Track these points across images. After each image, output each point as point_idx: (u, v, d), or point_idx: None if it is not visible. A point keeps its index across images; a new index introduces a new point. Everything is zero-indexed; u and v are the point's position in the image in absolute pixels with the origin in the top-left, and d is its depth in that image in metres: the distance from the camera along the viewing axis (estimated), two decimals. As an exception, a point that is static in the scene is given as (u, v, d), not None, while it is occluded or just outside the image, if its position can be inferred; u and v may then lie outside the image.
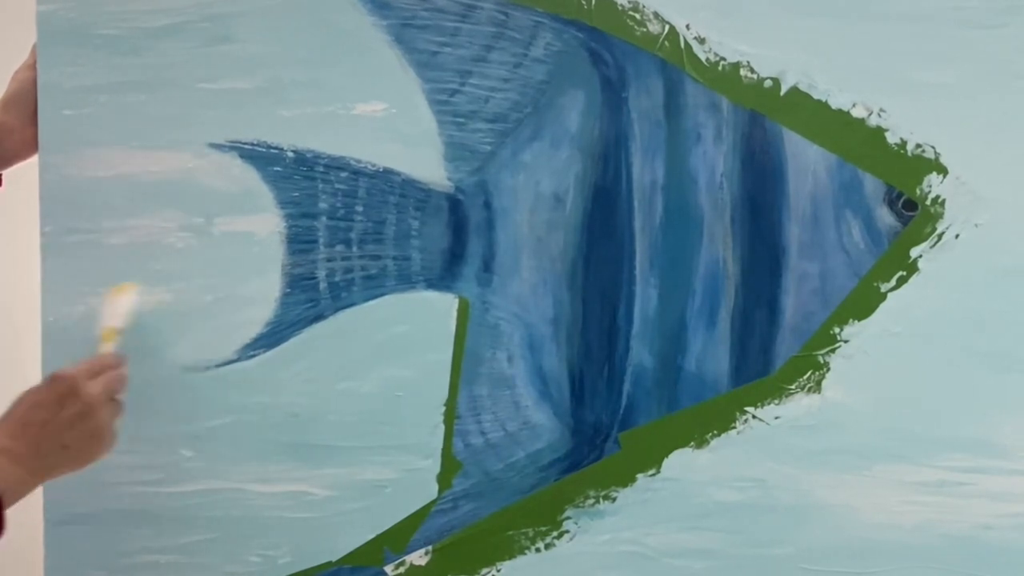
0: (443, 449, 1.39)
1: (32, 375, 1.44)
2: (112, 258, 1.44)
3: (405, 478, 1.39)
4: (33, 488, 1.23)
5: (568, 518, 1.38)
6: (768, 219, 1.34)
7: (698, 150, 1.35)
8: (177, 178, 1.43)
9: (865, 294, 1.33)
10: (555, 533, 1.38)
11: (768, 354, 1.34)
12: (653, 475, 1.36)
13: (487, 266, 1.38)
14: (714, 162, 1.35)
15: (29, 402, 1.24)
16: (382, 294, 1.40)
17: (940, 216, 1.32)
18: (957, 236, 1.31)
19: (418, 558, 1.40)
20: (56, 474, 1.26)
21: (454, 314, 1.39)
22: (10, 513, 1.22)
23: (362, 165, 1.40)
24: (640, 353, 1.36)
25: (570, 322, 1.37)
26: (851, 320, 1.33)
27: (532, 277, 1.38)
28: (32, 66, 1.45)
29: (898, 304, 1.32)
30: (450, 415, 1.38)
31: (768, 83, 1.34)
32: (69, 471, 1.27)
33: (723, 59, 1.35)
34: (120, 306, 1.39)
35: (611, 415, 1.37)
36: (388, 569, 1.41)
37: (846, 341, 1.33)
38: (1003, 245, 1.30)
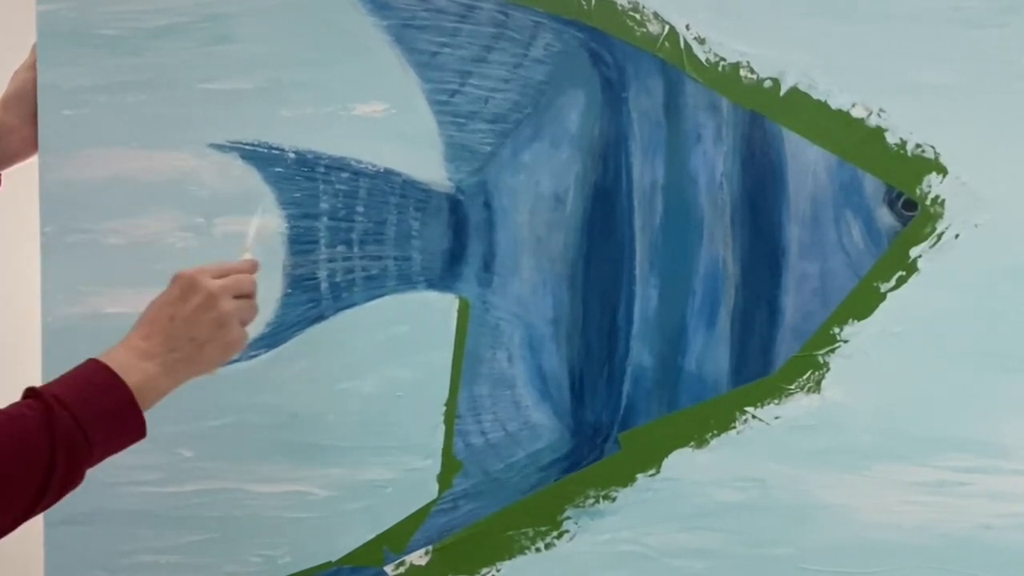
0: (443, 449, 1.39)
1: (32, 375, 1.44)
2: (112, 258, 1.44)
3: (405, 478, 1.39)
4: (171, 387, 1.22)
5: (568, 518, 1.38)
6: (768, 219, 1.34)
7: (698, 150, 1.35)
8: (177, 178, 1.44)
9: (865, 294, 1.33)
10: (555, 533, 1.38)
11: (768, 354, 1.34)
12: (653, 475, 1.36)
13: (487, 266, 1.38)
14: (714, 162, 1.35)
15: (157, 303, 1.24)
16: (383, 294, 1.40)
17: (940, 216, 1.32)
18: (957, 236, 1.31)
19: (418, 558, 1.40)
20: (191, 370, 1.24)
21: (454, 314, 1.39)
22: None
23: (363, 166, 1.40)
24: (640, 353, 1.36)
25: (570, 322, 1.37)
26: (851, 320, 1.33)
27: (532, 277, 1.38)
28: (32, 66, 1.45)
29: (898, 304, 1.32)
30: (450, 415, 1.38)
31: (768, 83, 1.34)
32: (204, 368, 1.26)
33: (723, 59, 1.35)
34: (250, 230, 1.37)
35: (611, 415, 1.37)
36: (388, 569, 1.41)
37: (846, 341, 1.33)
38: (1003, 245, 1.30)
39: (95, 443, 1.16)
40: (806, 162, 1.34)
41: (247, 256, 1.33)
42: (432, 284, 1.39)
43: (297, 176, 1.41)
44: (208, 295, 1.23)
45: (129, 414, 1.18)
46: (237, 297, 1.26)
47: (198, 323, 1.23)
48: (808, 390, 1.33)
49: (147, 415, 1.33)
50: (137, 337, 1.22)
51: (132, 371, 1.19)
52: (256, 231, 1.37)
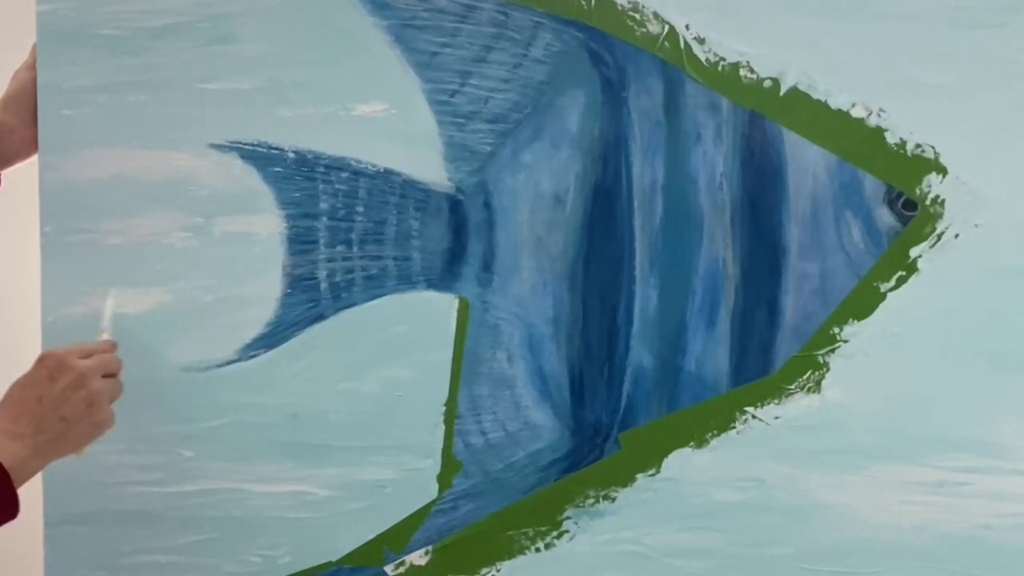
0: (443, 449, 1.39)
1: (32, 375, 1.44)
2: (112, 258, 1.44)
3: (405, 478, 1.39)
4: (39, 467, 1.24)
5: (568, 518, 1.38)
6: (768, 219, 1.34)
7: (698, 150, 1.35)
8: (177, 178, 1.44)
9: (865, 294, 1.33)
10: (555, 533, 1.38)
11: (768, 354, 1.34)
12: (653, 475, 1.36)
13: (487, 266, 1.38)
14: (714, 162, 1.35)
15: (22, 384, 1.26)
16: (383, 294, 1.40)
17: (940, 216, 1.32)
18: (957, 236, 1.31)
19: (418, 558, 1.40)
20: (60, 450, 1.26)
21: (454, 314, 1.39)
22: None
23: (362, 165, 1.40)
24: (640, 353, 1.36)
25: (570, 322, 1.37)
26: (851, 320, 1.33)
27: (532, 277, 1.38)
28: (32, 66, 1.45)
29: (898, 304, 1.32)
30: (450, 415, 1.38)
31: (768, 83, 1.34)
32: (72, 448, 1.27)
33: (723, 59, 1.35)
34: (105, 311, 1.40)
35: (611, 415, 1.37)
36: (388, 569, 1.41)
37: (846, 341, 1.33)
38: (1003, 245, 1.30)
39: None
40: (806, 162, 1.34)
41: (105, 336, 1.37)
42: (432, 284, 1.39)
43: (297, 176, 1.41)
44: (78, 375, 1.25)
45: (1, 494, 1.19)
46: (104, 376, 1.29)
47: (68, 402, 1.24)
48: (808, 390, 1.33)
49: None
50: (4, 419, 1.22)
51: (1, 452, 1.20)
52: (111, 311, 1.39)
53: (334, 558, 1.41)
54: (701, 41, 1.35)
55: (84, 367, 1.27)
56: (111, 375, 1.31)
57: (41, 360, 1.27)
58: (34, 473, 1.24)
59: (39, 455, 1.23)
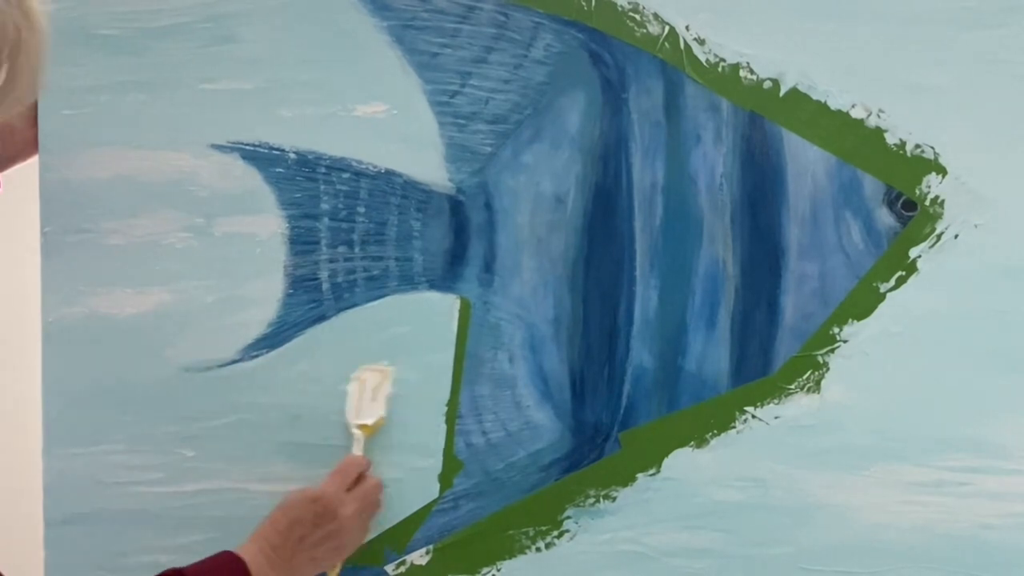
0: (444, 449, 1.39)
1: (32, 375, 1.44)
2: (112, 258, 1.44)
3: (407, 477, 1.39)
4: None
5: (568, 518, 1.38)
6: (768, 220, 1.34)
7: (698, 151, 1.36)
8: (177, 178, 1.44)
9: (864, 294, 1.33)
10: (555, 533, 1.38)
11: (768, 354, 1.35)
12: (653, 475, 1.36)
13: (488, 267, 1.38)
14: (714, 163, 1.35)
15: (291, 518, 1.31)
16: (384, 295, 1.40)
17: (939, 216, 1.32)
18: (956, 236, 1.31)
19: (419, 557, 1.40)
20: None
21: (455, 315, 1.39)
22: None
23: (363, 166, 1.40)
24: (640, 353, 1.36)
25: (571, 322, 1.37)
26: (850, 320, 1.33)
27: (533, 278, 1.38)
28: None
29: (897, 304, 1.32)
30: (451, 415, 1.39)
31: (768, 84, 1.34)
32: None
33: (723, 60, 1.35)
34: (379, 393, 1.40)
35: (611, 415, 1.37)
36: (389, 568, 1.41)
37: (845, 341, 1.33)
38: (1003, 245, 1.30)
39: None
40: (806, 163, 1.34)
41: (369, 431, 1.39)
42: (433, 285, 1.39)
43: (298, 176, 1.41)
44: (340, 526, 1.32)
45: None
46: (364, 509, 1.36)
47: (322, 547, 1.32)
48: (808, 390, 1.34)
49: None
50: (270, 546, 1.29)
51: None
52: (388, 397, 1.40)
53: (334, 558, 1.41)
54: (701, 42, 1.35)
55: (347, 519, 1.33)
56: (372, 504, 1.38)
57: (314, 501, 1.32)
58: None
59: None
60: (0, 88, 1.03)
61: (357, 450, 1.38)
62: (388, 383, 1.39)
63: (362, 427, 1.38)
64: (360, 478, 1.36)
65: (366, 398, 1.40)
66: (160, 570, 1.23)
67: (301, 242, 1.41)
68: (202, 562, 1.26)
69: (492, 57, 1.38)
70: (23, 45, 1.02)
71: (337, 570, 1.37)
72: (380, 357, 1.39)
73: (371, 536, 1.39)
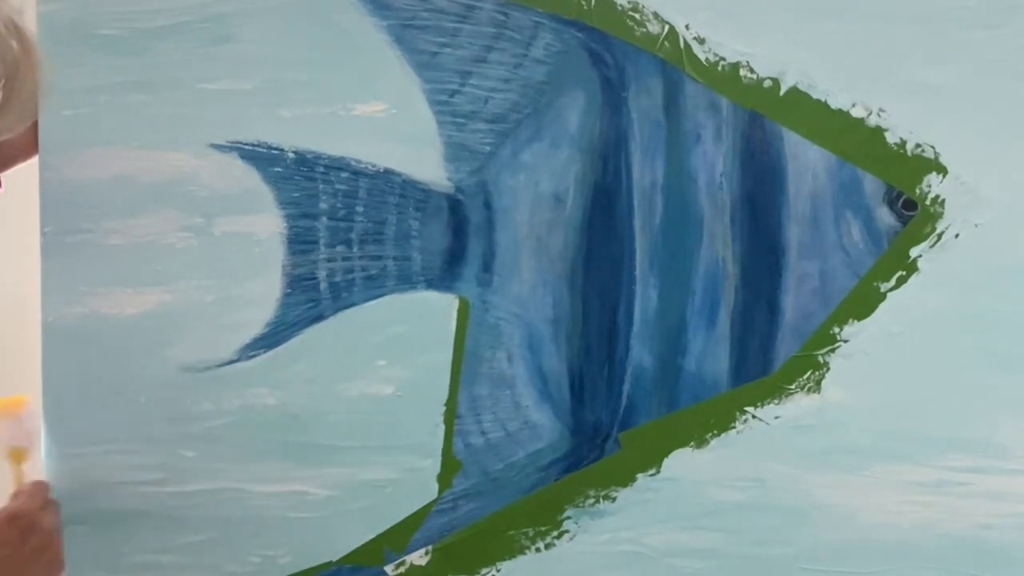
0: (443, 449, 1.39)
1: (32, 375, 1.44)
2: (112, 258, 1.44)
3: (405, 478, 1.39)
4: None
5: (568, 518, 1.38)
6: (768, 219, 1.34)
7: (698, 150, 1.35)
8: (177, 178, 1.43)
9: (865, 294, 1.33)
10: (555, 533, 1.38)
11: (768, 354, 1.34)
12: (653, 475, 1.36)
13: (487, 266, 1.38)
14: (714, 162, 1.35)
15: None
16: (382, 294, 1.40)
17: (940, 216, 1.32)
18: (957, 236, 1.31)
19: (418, 558, 1.40)
20: None
21: (454, 314, 1.39)
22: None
23: (362, 166, 1.40)
24: (640, 353, 1.36)
25: (570, 322, 1.37)
26: (851, 320, 1.33)
27: (532, 277, 1.38)
28: (35, 67, 1.45)
29: (898, 304, 1.32)
30: (450, 415, 1.39)
31: (768, 83, 1.34)
32: None
33: (723, 59, 1.35)
34: (23, 424, 1.40)
35: (611, 415, 1.37)
36: (388, 569, 1.41)
37: (846, 341, 1.33)
38: (1003, 245, 1.30)
39: None
40: (806, 162, 1.34)
41: (23, 457, 1.41)
42: (432, 284, 1.39)
43: (296, 176, 1.41)
44: (47, 537, 1.32)
45: None
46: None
47: (35, 564, 1.31)
48: (808, 390, 1.34)
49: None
50: None
51: None
52: (34, 427, 1.42)
53: (334, 558, 1.41)
54: (701, 41, 1.35)
55: (51, 530, 1.32)
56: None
57: (12, 519, 1.31)
58: None
59: None
60: None
61: (18, 478, 1.38)
62: (25, 408, 1.39)
63: (13, 455, 1.39)
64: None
65: (6, 427, 1.40)
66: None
67: (299, 241, 1.41)
68: None
69: (492, 56, 1.38)
70: (19, 71, 1.03)
71: None
72: (378, 356, 1.39)
73: (368, 535, 1.39)
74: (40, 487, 1.35)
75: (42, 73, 1.04)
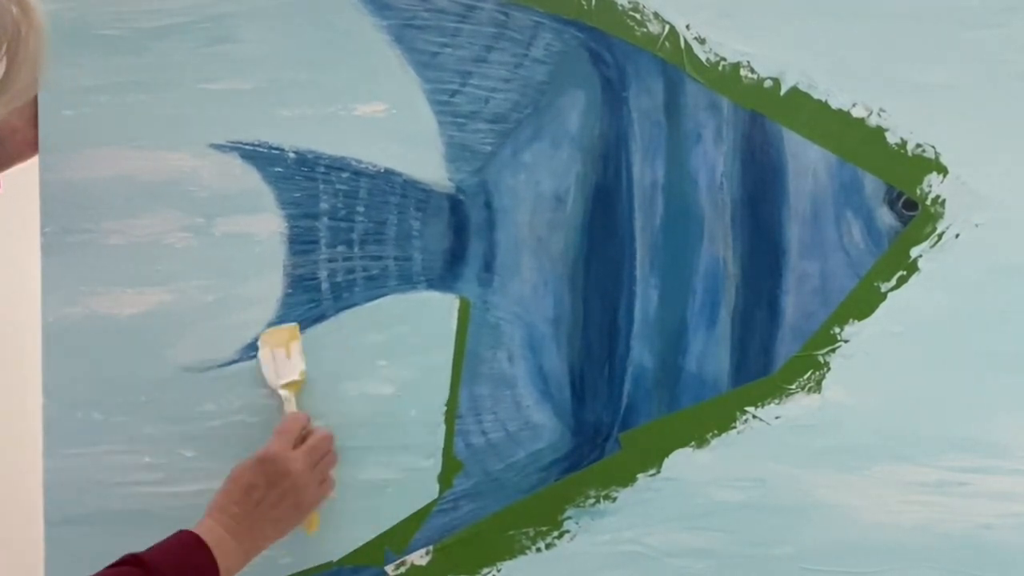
0: (444, 449, 1.39)
1: (32, 375, 1.44)
2: (112, 258, 1.44)
3: (406, 478, 1.39)
4: (245, 563, 1.30)
5: (569, 518, 1.38)
6: (768, 219, 1.34)
7: (698, 150, 1.36)
8: (177, 178, 1.43)
9: (865, 294, 1.33)
10: (556, 533, 1.38)
11: (768, 354, 1.35)
12: (653, 475, 1.36)
13: (488, 266, 1.38)
14: (714, 162, 1.35)
15: (244, 485, 1.31)
16: (383, 294, 1.40)
17: (940, 216, 1.32)
18: (957, 236, 1.32)
19: (419, 558, 1.40)
20: (265, 547, 1.33)
21: (455, 314, 1.39)
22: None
23: (363, 166, 1.40)
24: (640, 353, 1.36)
25: (571, 322, 1.37)
26: (851, 320, 1.33)
27: (533, 277, 1.38)
28: (35, 67, 1.45)
29: (898, 304, 1.32)
30: (451, 415, 1.38)
31: (768, 83, 1.34)
32: (274, 541, 1.34)
33: (723, 59, 1.35)
34: (292, 351, 1.40)
35: (612, 415, 1.37)
36: (389, 569, 1.41)
37: (846, 341, 1.33)
38: (1003, 245, 1.31)
39: None
40: (806, 162, 1.34)
41: (293, 388, 1.39)
42: (433, 284, 1.39)
43: (297, 176, 1.41)
44: (294, 483, 1.32)
45: None
46: (317, 462, 1.35)
47: (281, 507, 1.31)
48: (809, 390, 1.34)
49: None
50: (229, 516, 1.29)
51: (225, 553, 1.26)
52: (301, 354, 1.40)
53: (334, 558, 1.41)
54: (702, 41, 1.35)
55: (301, 474, 1.32)
56: (325, 455, 1.37)
57: (263, 462, 1.32)
58: (240, 570, 1.30)
59: (249, 553, 1.30)
60: (0, 82, 1.03)
61: (290, 408, 1.37)
62: (297, 340, 1.39)
63: (288, 387, 1.38)
64: (306, 434, 1.36)
65: (280, 359, 1.40)
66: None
67: (300, 242, 1.41)
68: (159, 544, 1.25)
69: (492, 56, 1.38)
70: (22, 41, 1.02)
71: (315, 525, 1.38)
72: (379, 356, 1.39)
73: (368, 535, 1.39)
74: (293, 422, 1.35)
75: (45, 40, 1.04)
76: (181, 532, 1.26)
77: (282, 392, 1.38)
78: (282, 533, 1.34)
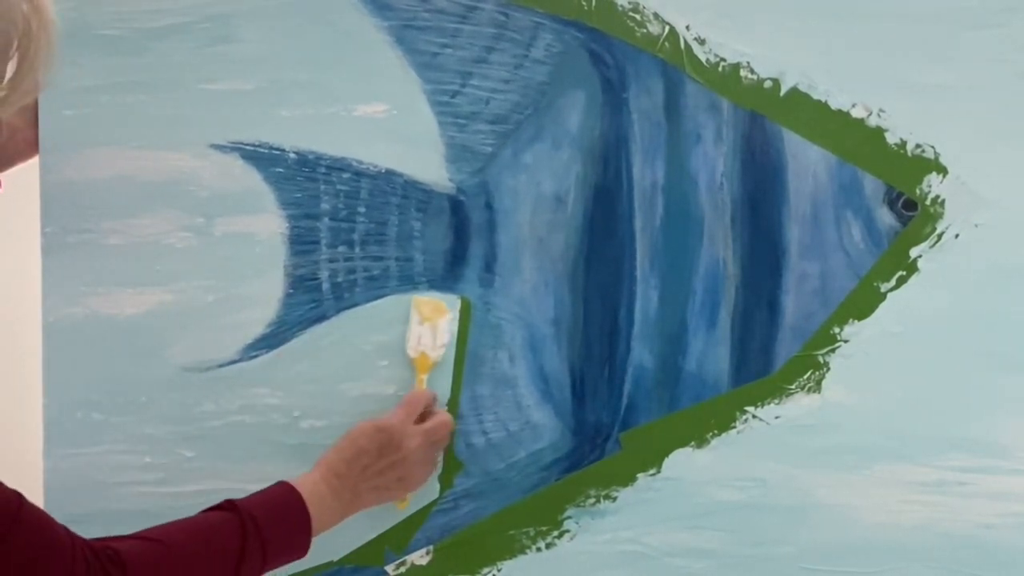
0: (445, 449, 1.39)
1: (32, 375, 1.44)
2: (112, 258, 1.44)
3: (407, 478, 1.39)
4: (339, 521, 1.32)
5: (569, 517, 1.38)
6: (768, 219, 1.34)
7: (698, 151, 1.36)
8: (177, 178, 1.43)
9: (865, 294, 1.33)
10: (556, 532, 1.38)
11: (768, 354, 1.35)
12: (653, 475, 1.36)
13: (489, 267, 1.38)
14: (714, 163, 1.35)
15: (357, 447, 1.32)
16: (384, 295, 1.40)
17: (940, 216, 1.32)
18: (957, 236, 1.32)
19: (419, 558, 1.40)
20: (363, 508, 1.34)
21: (456, 315, 1.39)
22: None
23: (364, 166, 1.40)
24: (641, 353, 1.36)
25: (571, 322, 1.37)
26: (851, 320, 1.33)
27: (533, 278, 1.38)
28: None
29: (898, 304, 1.32)
30: (452, 415, 1.38)
31: (768, 83, 1.34)
32: (370, 507, 1.35)
33: (723, 60, 1.35)
34: (435, 330, 1.40)
35: (612, 415, 1.37)
36: (389, 569, 1.41)
37: (846, 341, 1.33)
38: (1003, 245, 1.31)
39: (268, 562, 1.25)
40: (806, 162, 1.34)
41: (426, 367, 1.39)
42: (434, 285, 1.39)
43: (298, 176, 1.41)
44: (403, 458, 1.33)
45: (304, 545, 1.29)
46: (431, 443, 1.36)
47: (385, 477, 1.33)
48: (808, 390, 1.34)
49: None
50: (334, 474, 1.31)
51: (321, 509, 1.29)
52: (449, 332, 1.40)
53: (335, 558, 1.41)
54: (701, 42, 1.35)
55: (411, 451, 1.34)
56: (439, 441, 1.38)
57: (379, 431, 1.33)
58: (333, 526, 1.32)
59: (346, 512, 1.33)
60: (11, 79, 1.03)
61: (419, 384, 1.38)
62: (445, 317, 1.39)
63: (422, 359, 1.38)
64: (427, 413, 1.37)
65: (426, 330, 1.40)
66: None
67: (301, 242, 1.41)
68: (258, 493, 1.27)
69: (492, 57, 1.38)
70: (33, 36, 1.02)
71: (407, 502, 1.39)
72: (380, 357, 1.39)
73: (368, 535, 1.39)
74: (419, 398, 1.36)
75: (56, 37, 1.04)
76: (281, 483, 1.28)
77: (416, 363, 1.39)
78: (380, 502, 1.35)
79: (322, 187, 1.40)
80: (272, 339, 1.41)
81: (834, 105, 1.34)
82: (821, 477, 1.33)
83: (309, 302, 1.41)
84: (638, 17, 1.36)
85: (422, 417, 1.36)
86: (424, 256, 1.39)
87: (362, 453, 1.32)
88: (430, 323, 1.39)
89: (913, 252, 1.32)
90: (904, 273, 1.32)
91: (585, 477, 1.37)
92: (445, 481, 1.39)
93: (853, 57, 1.33)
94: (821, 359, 1.34)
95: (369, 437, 1.33)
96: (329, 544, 1.41)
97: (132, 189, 1.44)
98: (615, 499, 1.37)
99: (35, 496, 1.41)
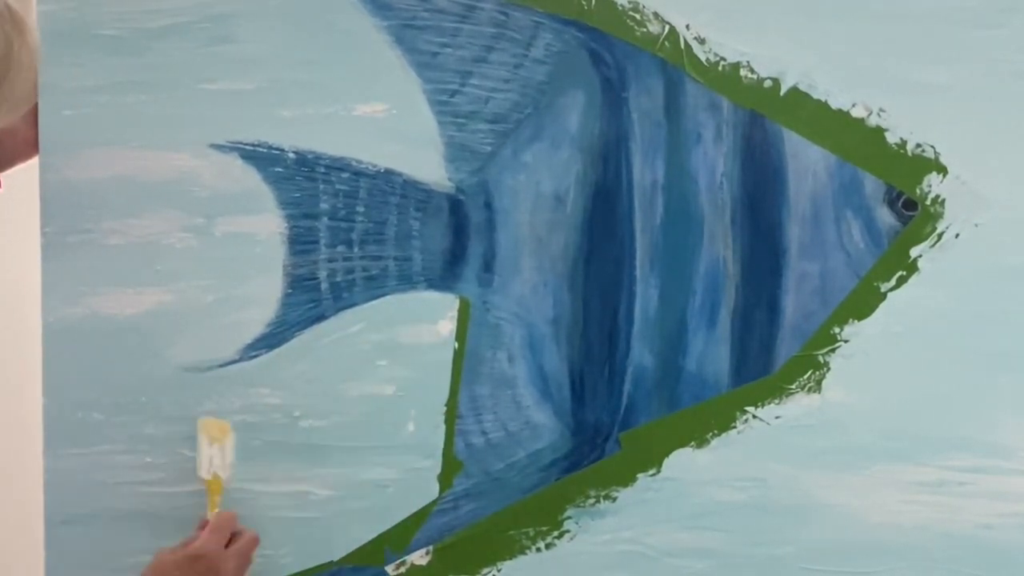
0: (444, 449, 1.39)
1: (32, 375, 1.44)
2: (112, 258, 1.44)
3: (406, 478, 1.39)
4: None
5: (569, 518, 1.38)
6: (768, 219, 1.34)
7: (698, 150, 1.35)
8: (177, 178, 1.44)
9: (865, 294, 1.33)
10: (556, 533, 1.38)
11: (768, 354, 1.34)
12: (653, 475, 1.36)
13: (488, 266, 1.38)
14: (714, 162, 1.35)
15: (168, 561, 1.32)
16: (383, 294, 1.40)
17: (940, 216, 1.32)
18: (957, 236, 1.31)
19: (419, 558, 1.40)
20: None
21: (455, 314, 1.39)
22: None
23: (363, 166, 1.40)
24: (641, 353, 1.36)
25: (571, 322, 1.37)
26: (851, 320, 1.33)
27: (533, 277, 1.38)
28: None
29: (898, 304, 1.32)
30: (451, 415, 1.39)
31: (768, 83, 1.34)
32: None
33: (723, 59, 1.35)
34: (223, 451, 1.40)
35: (612, 415, 1.37)
36: (389, 569, 1.41)
37: (846, 341, 1.33)
38: (1003, 245, 1.30)
39: None
40: (806, 162, 1.34)
41: (218, 489, 1.40)
42: (432, 284, 1.39)
43: (297, 176, 1.41)
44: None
45: None
46: (243, 565, 1.36)
47: None
48: (809, 390, 1.34)
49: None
50: None
51: None
52: (231, 453, 1.41)
53: (335, 558, 1.41)
54: (701, 41, 1.35)
55: (229, 572, 1.33)
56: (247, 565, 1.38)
57: (196, 559, 1.32)
58: None
59: None
60: None
61: (213, 507, 1.39)
62: (230, 438, 1.40)
63: (215, 482, 1.39)
64: (234, 534, 1.37)
65: (215, 451, 1.40)
66: None
67: (300, 242, 1.41)
68: None
69: (492, 56, 1.38)
70: (15, 56, 1.02)
71: None
72: (379, 356, 1.39)
73: (368, 535, 1.40)
74: (227, 521, 1.37)
75: (38, 53, 1.03)
76: None
77: (209, 485, 1.39)
78: None
79: (321, 187, 1.41)
80: (272, 339, 1.41)
81: (834, 105, 1.33)
82: (821, 477, 1.33)
83: (308, 302, 1.41)
84: (638, 16, 1.36)
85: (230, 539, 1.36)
86: (423, 255, 1.39)
87: (176, 565, 1.31)
88: (219, 444, 1.39)
89: (913, 252, 1.32)
90: (904, 273, 1.32)
91: (585, 477, 1.37)
92: (444, 481, 1.39)
93: (853, 57, 1.33)
94: (821, 359, 1.33)
95: (183, 568, 1.32)
96: (328, 544, 1.41)
97: (132, 189, 1.44)
98: (615, 499, 1.37)
99: (35, 496, 1.41)
